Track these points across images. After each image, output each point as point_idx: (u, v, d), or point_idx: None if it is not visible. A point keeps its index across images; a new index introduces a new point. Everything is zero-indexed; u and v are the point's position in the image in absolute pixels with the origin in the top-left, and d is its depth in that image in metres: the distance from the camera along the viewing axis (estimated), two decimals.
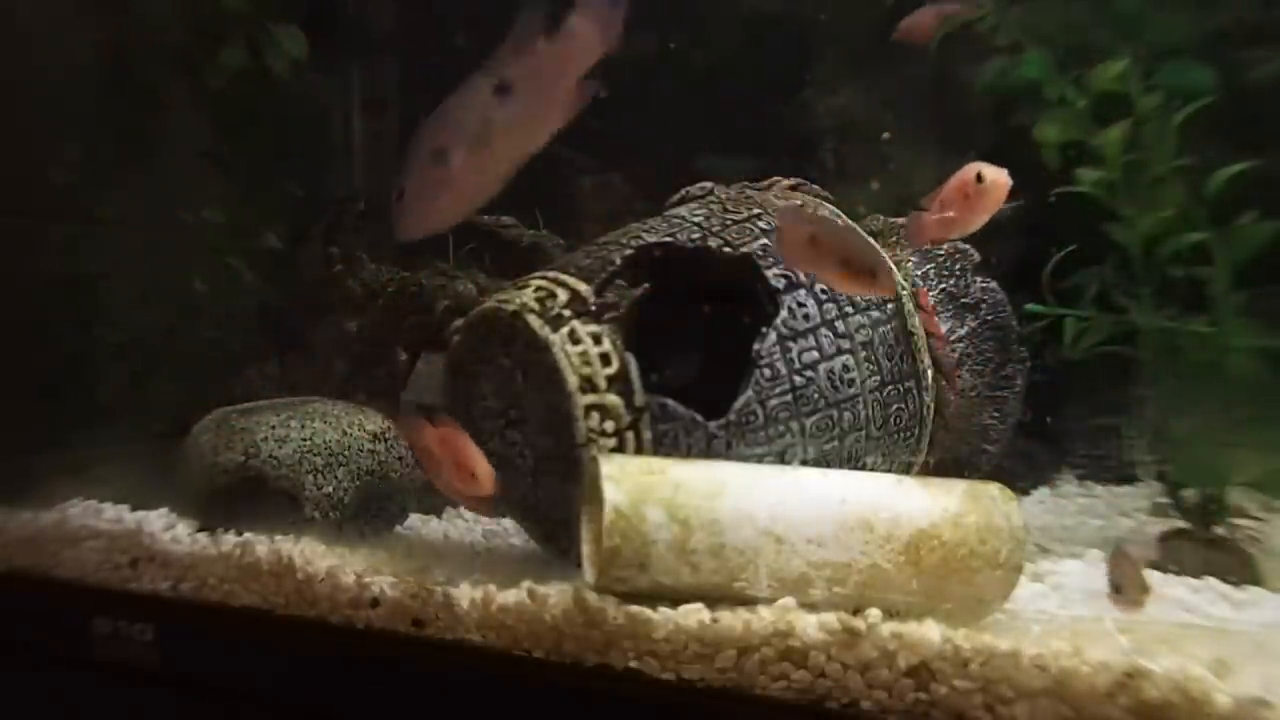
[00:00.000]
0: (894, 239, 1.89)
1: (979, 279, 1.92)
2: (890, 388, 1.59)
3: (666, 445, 1.47)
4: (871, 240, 1.61)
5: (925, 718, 1.12)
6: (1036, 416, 2.06)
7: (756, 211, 1.66)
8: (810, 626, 1.19)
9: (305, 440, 1.78)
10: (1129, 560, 1.37)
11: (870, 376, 1.58)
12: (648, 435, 1.46)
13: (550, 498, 1.56)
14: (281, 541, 1.62)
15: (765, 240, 1.60)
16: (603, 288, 1.55)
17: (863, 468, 1.58)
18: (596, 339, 1.49)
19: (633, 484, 1.28)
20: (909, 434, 1.63)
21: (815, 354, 1.55)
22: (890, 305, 1.62)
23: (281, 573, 1.53)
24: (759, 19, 2.69)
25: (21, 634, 1.76)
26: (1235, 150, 1.63)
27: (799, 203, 1.71)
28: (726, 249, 1.59)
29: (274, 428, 1.79)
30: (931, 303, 1.75)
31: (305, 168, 2.60)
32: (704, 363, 1.79)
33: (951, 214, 1.37)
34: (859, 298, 1.59)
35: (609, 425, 1.45)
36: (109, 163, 2.27)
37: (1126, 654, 1.08)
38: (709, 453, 1.48)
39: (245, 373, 2.34)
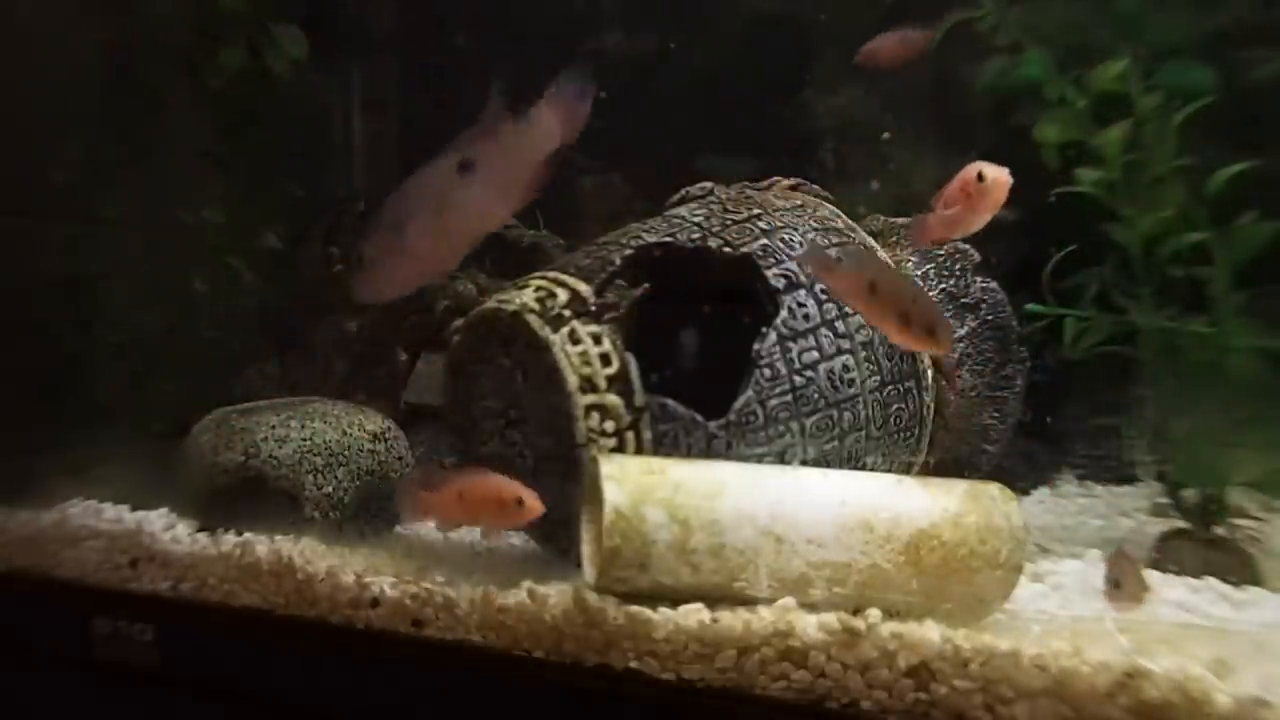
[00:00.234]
0: (894, 239, 1.89)
1: (979, 279, 1.92)
2: (890, 388, 1.59)
3: (666, 445, 1.47)
4: (931, 298, 1.58)
5: (925, 718, 1.12)
6: (1036, 416, 2.06)
7: (756, 212, 1.66)
8: (810, 626, 1.19)
9: (305, 440, 1.78)
10: (1129, 559, 1.37)
11: (870, 376, 1.57)
12: (648, 435, 1.46)
13: (550, 498, 1.56)
14: (281, 541, 1.62)
15: (765, 240, 1.60)
16: (603, 288, 1.55)
17: (863, 468, 1.58)
18: (596, 339, 1.49)
19: (633, 484, 1.28)
20: (909, 434, 1.63)
21: (815, 354, 1.55)
22: None
23: (281, 573, 1.53)
24: (759, 19, 2.69)
25: (21, 634, 1.75)
26: (1235, 150, 1.63)
27: (866, 247, 1.68)
28: (726, 249, 1.59)
29: (274, 428, 1.79)
30: None
31: (305, 168, 2.60)
32: (704, 363, 1.79)
33: (953, 213, 1.37)
34: None
35: (609, 425, 1.45)
36: (109, 163, 2.26)
37: (1126, 654, 1.09)
38: (709, 453, 1.48)
39: (245, 373, 2.34)
